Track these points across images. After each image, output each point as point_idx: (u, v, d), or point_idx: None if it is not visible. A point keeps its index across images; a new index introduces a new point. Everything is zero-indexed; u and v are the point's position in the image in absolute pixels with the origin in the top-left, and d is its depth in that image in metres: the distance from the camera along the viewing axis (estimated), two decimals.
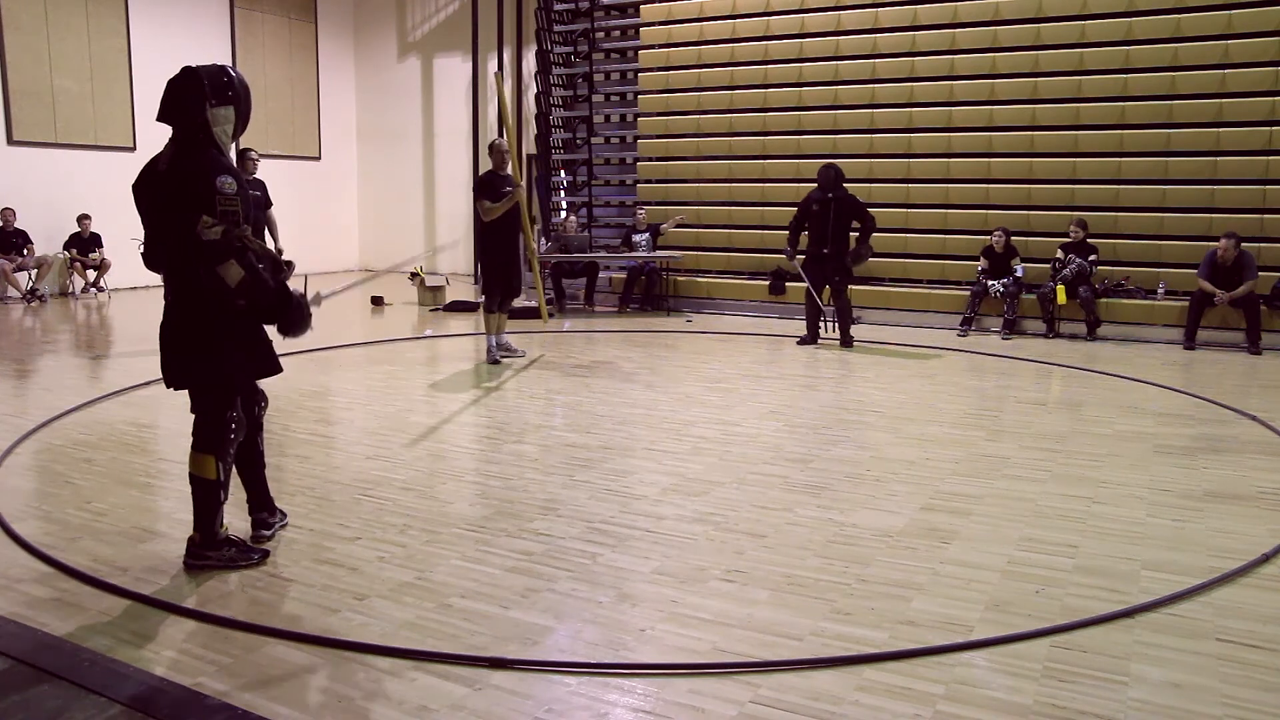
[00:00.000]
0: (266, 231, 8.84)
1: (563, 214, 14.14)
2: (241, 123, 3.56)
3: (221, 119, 3.47)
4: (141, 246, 3.55)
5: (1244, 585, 3.59)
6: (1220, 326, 9.76)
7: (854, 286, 11.07)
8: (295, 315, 3.60)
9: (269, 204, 9.05)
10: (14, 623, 3.13)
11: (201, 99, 3.42)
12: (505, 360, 8.33)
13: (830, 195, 9.16)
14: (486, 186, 7.99)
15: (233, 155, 3.78)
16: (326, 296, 5.08)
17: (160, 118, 3.48)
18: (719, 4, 12.95)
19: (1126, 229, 10.60)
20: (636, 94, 13.83)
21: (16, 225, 12.56)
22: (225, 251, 3.35)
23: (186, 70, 3.47)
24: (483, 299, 8.33)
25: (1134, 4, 10.57)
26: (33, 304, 12.22)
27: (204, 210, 3.32)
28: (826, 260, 9.23)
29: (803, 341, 9.47)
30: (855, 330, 9.99)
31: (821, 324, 9.53)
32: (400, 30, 17.47)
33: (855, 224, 9.22)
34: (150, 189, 3.47)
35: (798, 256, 9.47)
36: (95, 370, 7.94)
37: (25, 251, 12.58)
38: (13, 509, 4.24)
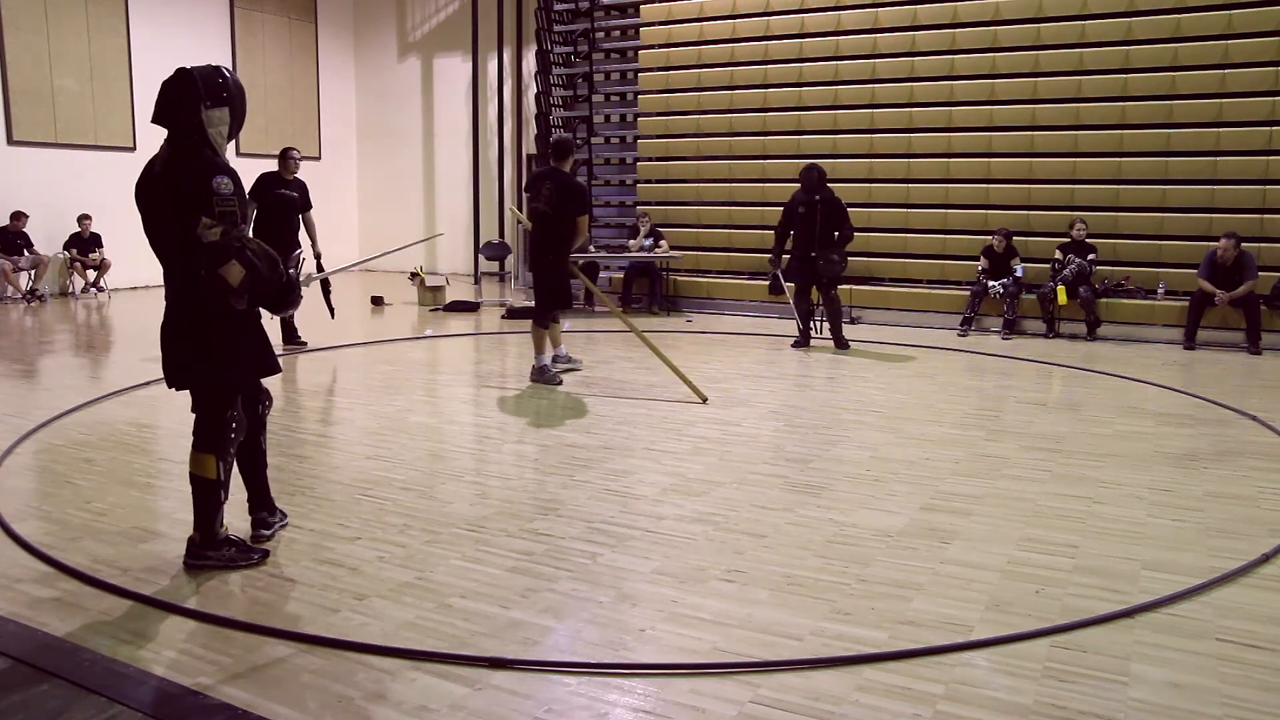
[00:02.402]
0: (304, 232, 8.56)
1: None
2: (236, 124, 3.55)
3: (216, 120, 3.46)
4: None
5: (1244, 585, 3.59)
6: (1220, 326, 9.75)
7: (854, 287, 11.11)
8: (288, 295, 3.61)
9: (308, 206, 8.70)
10: (14, 623, 3.13)
11: (196, 100, 3.41)
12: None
13: (817, 198, 9.11)
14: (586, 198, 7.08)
15: (231, 155, 3.77)
16: (318, 277, 5.15)
17: (155, 119, 3.48)
18: (719, 4, 12.95)
19: (1126, 229, 10.60)
20: (636, 94, 13.83)
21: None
22: (226, 252, 3.35)
23: (180, 72, 3.45)
24: (536, 314, 7.38)
25: (1134, 4, 10.57)
26: (33, 304, 12.23)
27: (202, 212, 3.32)
28: (813, 263, 9.16)
29: (797, 344, 9.40)
30: (854, 331, 9.96)
31: (814, 324, 9.49)
32: (400, 30, 17.47)
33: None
34: (148, 191, 3.47)
35: (784, 257, 9.43)
36: (95, 370, 7.94)
37: (25, 252, 12.58)
38: (13, 509, 4.24)
